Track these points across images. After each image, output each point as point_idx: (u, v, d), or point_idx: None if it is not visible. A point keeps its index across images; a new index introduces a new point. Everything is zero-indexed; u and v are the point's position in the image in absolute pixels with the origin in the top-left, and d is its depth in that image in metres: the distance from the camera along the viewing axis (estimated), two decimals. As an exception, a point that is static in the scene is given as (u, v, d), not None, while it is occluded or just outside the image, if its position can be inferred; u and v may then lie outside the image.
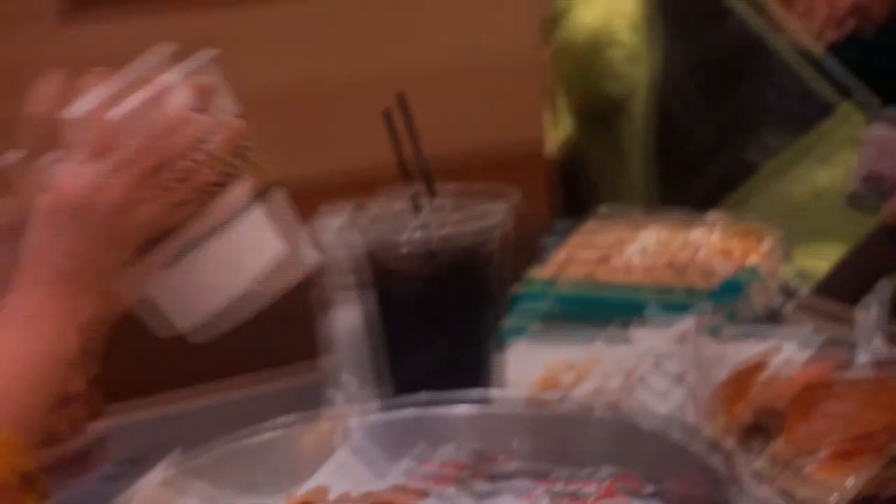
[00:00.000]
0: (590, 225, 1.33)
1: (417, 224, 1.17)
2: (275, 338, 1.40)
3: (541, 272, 1.22)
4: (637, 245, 1.19)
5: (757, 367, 1.05)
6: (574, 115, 1.93)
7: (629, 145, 1.82)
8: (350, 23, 1.56)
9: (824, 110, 1.66)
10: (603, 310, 1.15)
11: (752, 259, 1.22)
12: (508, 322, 1.20)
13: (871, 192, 1.08)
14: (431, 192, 1.18)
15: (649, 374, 1.10)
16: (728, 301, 1.15)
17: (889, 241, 1.31)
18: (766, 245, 1.27)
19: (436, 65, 1.59)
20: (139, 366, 1.35)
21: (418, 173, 1.19)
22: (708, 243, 1.26)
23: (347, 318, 1.27)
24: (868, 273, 1.39)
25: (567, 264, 1.22)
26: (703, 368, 1.06)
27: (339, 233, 1.24)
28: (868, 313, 1.14)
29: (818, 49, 1.73)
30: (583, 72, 1.82)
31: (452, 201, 1.19)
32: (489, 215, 1.15)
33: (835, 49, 1.74)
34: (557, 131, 1.98)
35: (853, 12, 1.79)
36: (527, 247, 1.47)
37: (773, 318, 1.21)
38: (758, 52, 1.72)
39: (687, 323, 1.07)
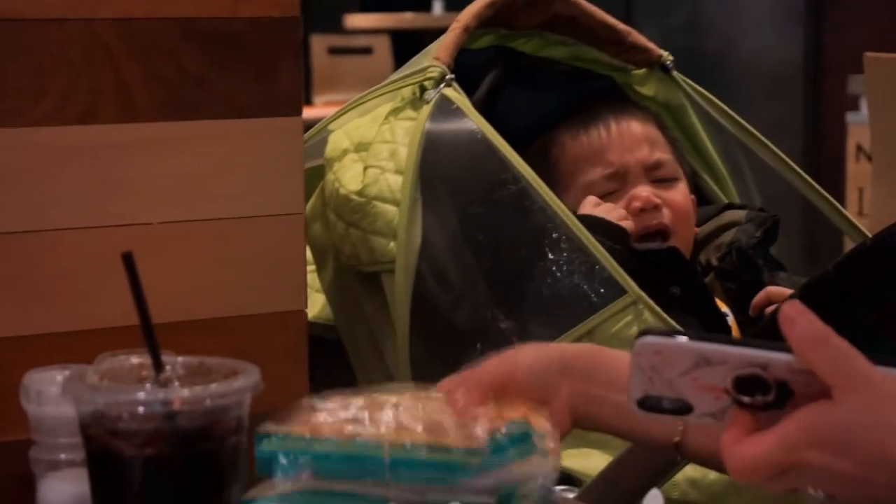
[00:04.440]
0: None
1: (156, 382, 1.08)
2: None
3: (292, 429, 1.10)
4: (394, 406, 1.10)
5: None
6: (338, 280, 1.81)
7: (392, 318, 1.71)
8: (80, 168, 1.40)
9: (597, 303, 1.59)
10: (363, 469, 1.05)
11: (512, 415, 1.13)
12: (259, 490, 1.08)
13: (656, 402, 1.03)
14: (157, 365, 1.10)
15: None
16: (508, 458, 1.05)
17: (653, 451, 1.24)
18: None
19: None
20: None
21: (146, 340, 1.10)
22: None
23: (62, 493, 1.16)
24: (639, 478, 1.33)
25: (319, 425, 1.11)
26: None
27: (61, 389, 1.12)
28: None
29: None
30: (346, 234, 1.72)
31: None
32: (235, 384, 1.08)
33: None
34: (313, 304, 1.86)
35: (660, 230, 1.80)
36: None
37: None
38: (529, 236, 1.65)
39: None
